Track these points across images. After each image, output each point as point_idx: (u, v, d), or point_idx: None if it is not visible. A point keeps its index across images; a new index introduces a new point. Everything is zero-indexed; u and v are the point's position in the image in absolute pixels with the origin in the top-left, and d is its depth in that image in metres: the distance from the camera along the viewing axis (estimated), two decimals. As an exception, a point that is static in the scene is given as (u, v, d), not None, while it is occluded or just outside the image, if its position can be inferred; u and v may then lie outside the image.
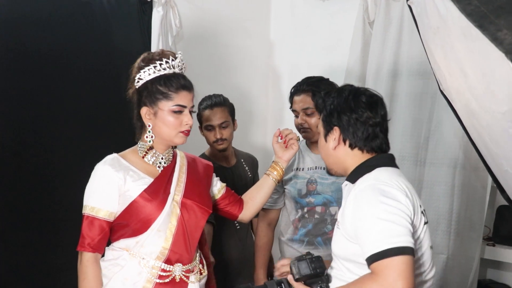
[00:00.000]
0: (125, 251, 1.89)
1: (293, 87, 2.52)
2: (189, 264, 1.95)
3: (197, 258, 2.02)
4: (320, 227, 2.47)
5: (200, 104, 2.81)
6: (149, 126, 1.91)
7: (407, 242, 1.49)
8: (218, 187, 2.18)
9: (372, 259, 1.49)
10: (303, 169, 2.53)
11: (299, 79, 2.54)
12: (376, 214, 1.52)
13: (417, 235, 1.62)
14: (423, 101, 3.09)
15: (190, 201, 1.95)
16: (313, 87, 2.43)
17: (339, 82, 2.35)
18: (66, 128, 2.77)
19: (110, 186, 1.86)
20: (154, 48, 3.19)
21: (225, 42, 3.66)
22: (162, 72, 1.89)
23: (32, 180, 2.65)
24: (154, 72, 1.89)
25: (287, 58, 3.87)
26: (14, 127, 2.63)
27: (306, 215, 2.49)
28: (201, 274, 2.01)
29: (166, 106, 1.88)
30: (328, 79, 2.54)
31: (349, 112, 1.71)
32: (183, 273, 1.92)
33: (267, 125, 4.01)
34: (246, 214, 2.20)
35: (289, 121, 3.92)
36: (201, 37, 3.53)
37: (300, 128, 2.50)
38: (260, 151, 3.63)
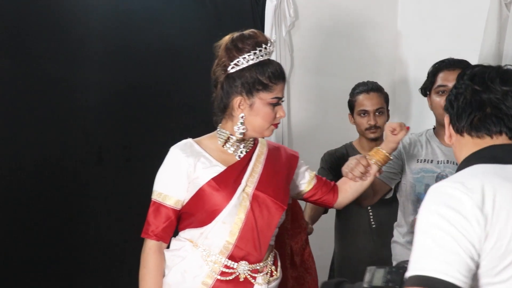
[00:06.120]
0: (188, 242, 1.78)
1: (441, 62, 2.30)
2: (257, 264, 1.78)
3: (270, 258, 1.84)
4: None
5: (354, 89, 2.66)
6: (242, 117, 1.78)
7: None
8: (307, 179, 1.99)
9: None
10: (431, 161, 2.27)
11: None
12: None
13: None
14: None
15: (263, 195, 1.78)
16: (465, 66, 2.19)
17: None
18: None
19: (179, 172, 1.76)
20: (267, 39, 3.13)
21: (346, 33, 3.49)
22: (260, 59, 1.75)
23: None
24: (253, 59, 1.74)
25: (414, 49, 3.58)
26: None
27: None
28: (271, 276, 1.83)
29: (265, 97, 1.75)
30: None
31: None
32: (249, 272, 1.76)
33: (393, 120, 3.72)
34: (341, 201, 2.00)
35: (416, 116, 3.68)
36: (319, 28, 3.41)
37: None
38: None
